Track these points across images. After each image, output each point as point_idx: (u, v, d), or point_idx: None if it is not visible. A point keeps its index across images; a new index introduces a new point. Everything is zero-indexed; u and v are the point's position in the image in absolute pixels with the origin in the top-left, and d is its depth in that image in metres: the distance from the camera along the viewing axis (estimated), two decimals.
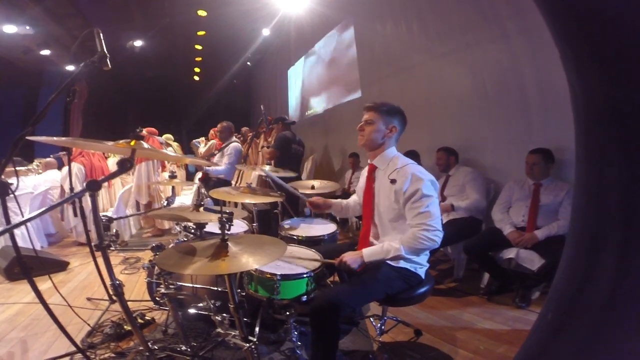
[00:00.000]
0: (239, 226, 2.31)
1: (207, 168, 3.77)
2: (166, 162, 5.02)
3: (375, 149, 1.65)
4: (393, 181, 1.55)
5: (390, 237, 1.60)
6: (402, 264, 1.54)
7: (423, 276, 1.60)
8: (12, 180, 1.36)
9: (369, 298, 1.59)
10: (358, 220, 3.94)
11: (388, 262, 1.55)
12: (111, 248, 1.52)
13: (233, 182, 3.85)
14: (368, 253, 1.54)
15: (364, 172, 1.80)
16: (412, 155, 3.49)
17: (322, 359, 1.40)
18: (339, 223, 3.95)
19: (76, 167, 3.92)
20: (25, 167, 4.72)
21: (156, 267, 1.87)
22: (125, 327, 1.98)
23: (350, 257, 1.52)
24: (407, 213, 1.52)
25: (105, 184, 4.45)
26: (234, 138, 4.01)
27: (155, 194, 4.37)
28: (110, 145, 1.31)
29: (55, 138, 1.27)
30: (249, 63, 10.76)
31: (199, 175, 4.45)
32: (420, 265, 1.59)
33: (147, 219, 4.56)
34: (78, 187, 3.62)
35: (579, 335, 0.78)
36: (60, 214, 4.19)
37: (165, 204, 2.40)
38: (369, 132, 1.62)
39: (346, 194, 4.14)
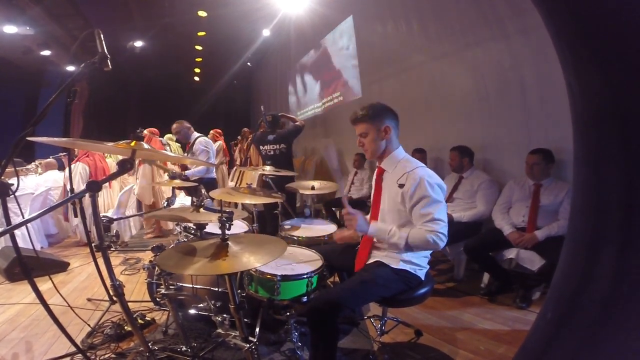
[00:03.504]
0: (239, 227, 2.32)
1: (187, 172, 3.47)
2: (168, 163, 5.00)
3: (382, 155, 1.63)
4: (401, 185, 1.53)
5: None
6: (401, 265, 1.54)
7: (423, 277, 1.60)
8: (13, 180, 1.36)
9: (368, 299, 1.58)
10: None
11: (387, 263, 1.55)
12: (111, 249, 1.52)
13: (232, 183, 3.79)
14: (374, 229, 1.52)
15: (374, 176, 1.76)
16: (420, 152, 3.50)
17: (321, 359, 1.40)
18: (341, 224, 3.91)
19: (80, 166, 3.92)
20: (24, 167, 4.72)
21: (156, 268, 1.87)
22: (125, 327, 1.98)
23: (361, 221, 1.50)
24: (415, 217, 1.49)
25: (106, 184, 4.45)
26: (196, 134, 3.76)
27: (160, 195, 4.37)
28: (110, 145, 1.31)
29: (55, 139, 1.27)
30: (249, 63, 10.76)
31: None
32: (420, 267, 1.59)
33: (149, 219, 4.54)
34: (82, 187, 3.60)
35: (578, 335, 0.78)
36: (64, 215, 4.18)
37: (165, 204, 2.40)
38: (369, 143, 1.60)
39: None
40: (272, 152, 3.61)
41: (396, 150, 1.62)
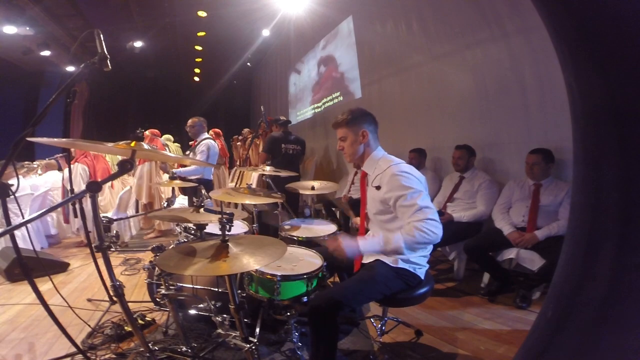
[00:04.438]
0: (239, 227, 2.32)
1: (175, 170, 3.43)
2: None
3: (362, 158, 1.67)
4: (378, 187, 1.56)
5: None
6: (400, 264, 1.54)
7: (422, 277, 1.60)
8: (13, 181, 1.36)
9: (368, 298, 1.58)
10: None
11: (387, 262, 1.55)
12: (111, 249, 1.52)
13: (232, 184, 3.80)
14: (364, 242, 1.46)
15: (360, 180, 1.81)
16: (419, 152, 3.49)
17: (321, 358, 1.40)
18: (342, 225, 3.91)
19: (80, 167, 3.91)
20: (25, 168, 4.72)
21: (156, 268, 1.88)
22: (125, 328, 1.98)
23: (347, 243, 1.44)
24: (401, 213, 1.48)
25: (109, 184, 4.45)
26: (206, 134, 3.82)
27: (156, 195, 4.36)
28: (110, 146, 1.31)
29: (55, 139, 1.27)
30: (249, 64, 10.76)
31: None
32: (419, 265, 1.59)
33: (147, 220, 4.54)
34: (82, 187, 3.58)
35: (578, 333, 0.78)
36: (65, 217, 4.18)
37: (165, 205, 2.40)
38: (347, 147, 1.67)
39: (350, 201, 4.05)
40: (291, 151, 3.89)
41: (374, 152, 1.66)
